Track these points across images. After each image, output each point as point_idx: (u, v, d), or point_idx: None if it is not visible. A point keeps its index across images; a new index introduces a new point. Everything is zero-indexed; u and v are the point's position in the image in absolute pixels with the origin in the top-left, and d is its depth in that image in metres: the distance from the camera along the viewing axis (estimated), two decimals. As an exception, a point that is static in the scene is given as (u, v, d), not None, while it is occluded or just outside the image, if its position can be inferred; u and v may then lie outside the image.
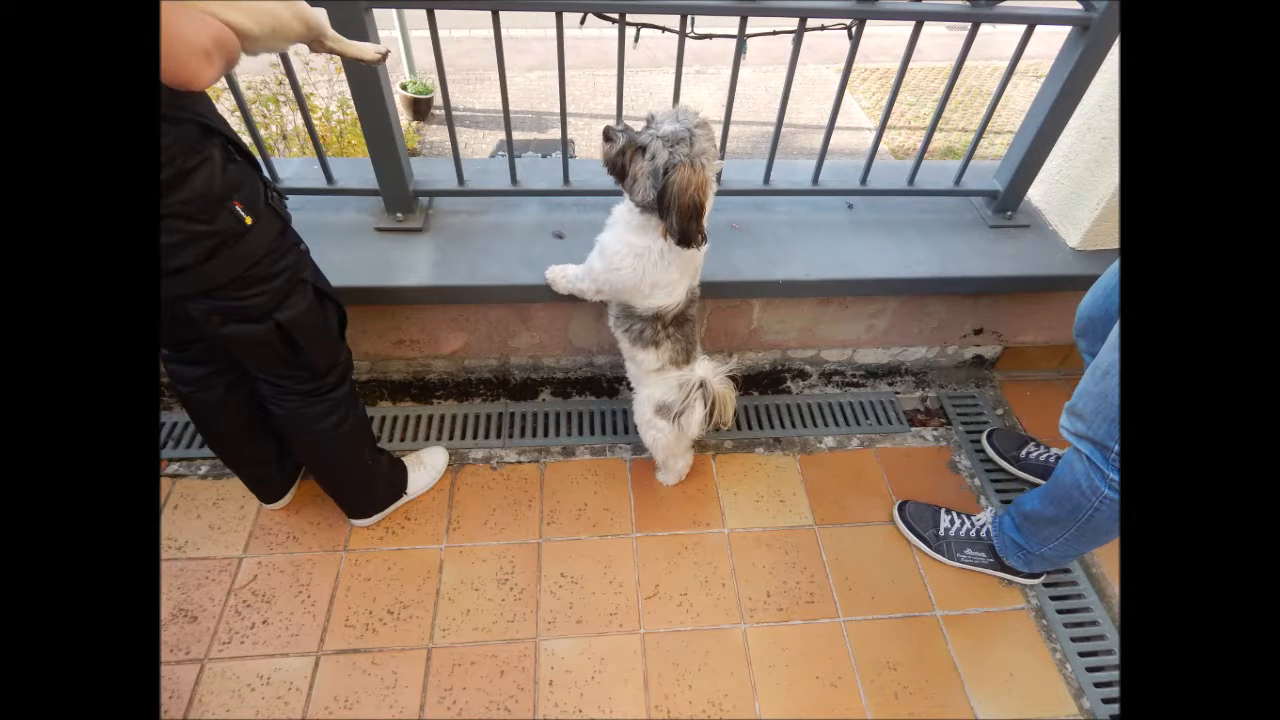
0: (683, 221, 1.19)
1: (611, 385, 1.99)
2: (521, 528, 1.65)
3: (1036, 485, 1.76)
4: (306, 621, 1.46)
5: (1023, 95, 6.07)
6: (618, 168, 1.24)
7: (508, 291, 1.58)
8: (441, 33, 1.40)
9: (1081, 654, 1.50)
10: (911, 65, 1.55)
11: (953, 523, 1.65)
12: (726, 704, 1.39)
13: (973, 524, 1.64)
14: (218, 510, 1.64)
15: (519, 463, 1.79)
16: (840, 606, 1.55)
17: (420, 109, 6.80)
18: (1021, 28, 1.50)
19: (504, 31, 1.41)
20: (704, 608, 1.53)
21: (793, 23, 1.45)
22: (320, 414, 1.31)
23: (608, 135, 1.23)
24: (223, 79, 0.98)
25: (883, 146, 1.88)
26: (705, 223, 1.22)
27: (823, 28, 1.47)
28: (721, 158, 1.58)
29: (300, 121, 4.18)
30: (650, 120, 1.21)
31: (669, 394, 1.50)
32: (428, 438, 1.84)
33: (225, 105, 1.49)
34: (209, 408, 1.34)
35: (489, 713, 1.36)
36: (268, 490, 1.60)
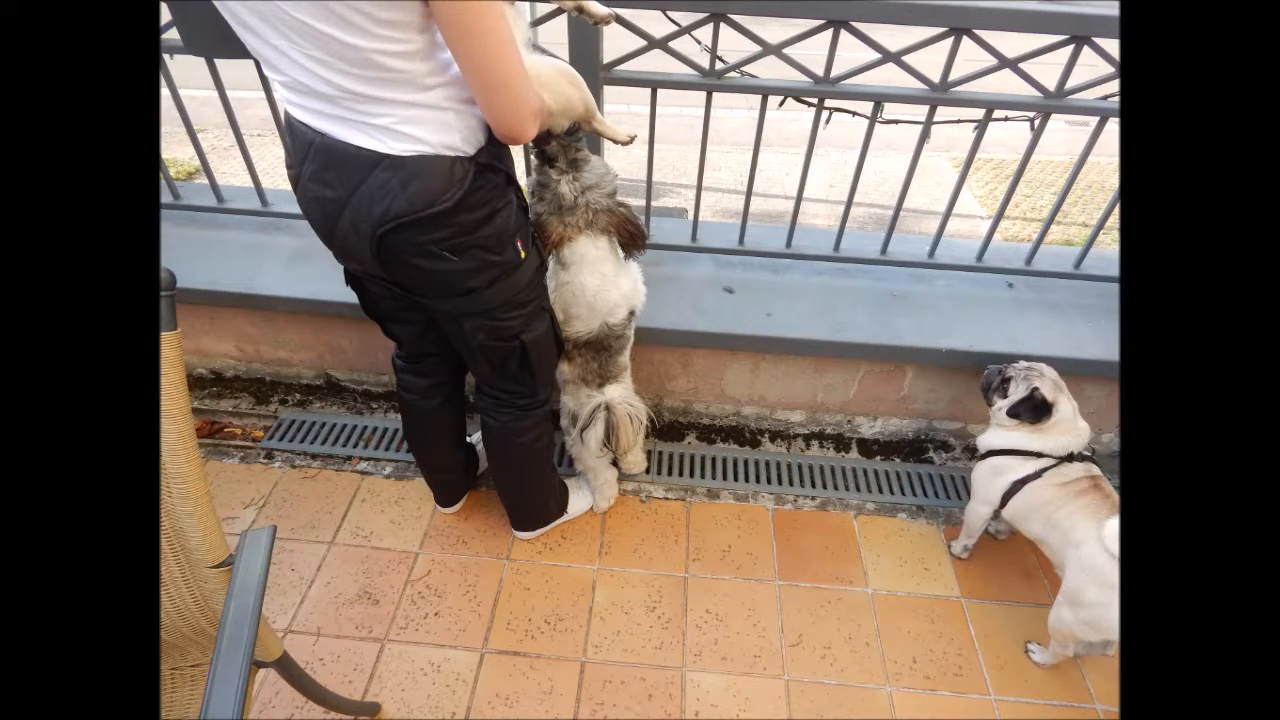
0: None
1: (754, 436, 2.01)
2: (668, 560, 1.68)
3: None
4: (473, 620, 1.54)
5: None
6: None
7: (673, 336, 1.67)
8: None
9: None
10: (1032, 159, 1.62)
11: None
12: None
13: None
14: (399, 508, 1.77)
15: (666, 499, 1.83)
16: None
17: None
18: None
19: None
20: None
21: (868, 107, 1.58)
22: (526, 428, 1.44)
23: None
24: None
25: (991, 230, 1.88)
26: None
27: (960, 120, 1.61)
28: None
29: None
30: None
31: (580, 408, 1.54)
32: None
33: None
34: (424, 415, 1.53)
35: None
36: (449, 495, 1.72)
